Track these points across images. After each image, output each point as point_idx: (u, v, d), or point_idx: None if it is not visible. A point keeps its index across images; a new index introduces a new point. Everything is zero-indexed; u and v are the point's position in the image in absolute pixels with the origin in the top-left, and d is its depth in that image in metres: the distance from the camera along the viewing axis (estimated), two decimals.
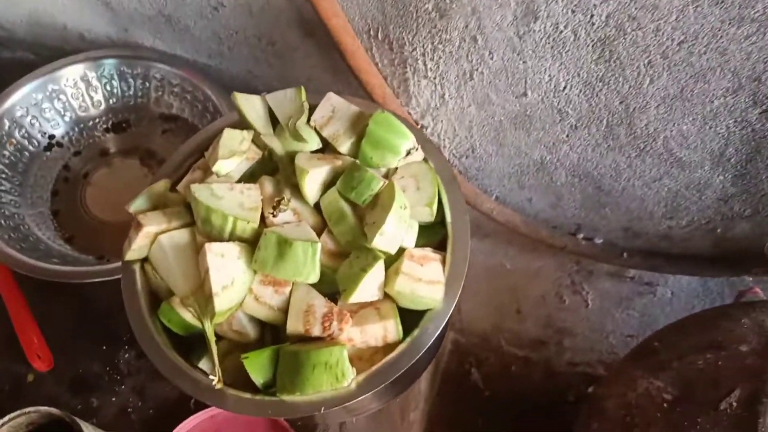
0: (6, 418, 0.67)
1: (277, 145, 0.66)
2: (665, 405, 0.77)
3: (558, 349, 1.47)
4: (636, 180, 0.85)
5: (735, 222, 0.88)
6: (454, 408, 1.56)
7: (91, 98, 0.95)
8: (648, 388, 0.79)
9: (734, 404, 0.74)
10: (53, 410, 0.67)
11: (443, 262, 0.63)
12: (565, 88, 0.74)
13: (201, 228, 0.62)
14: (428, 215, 0.64)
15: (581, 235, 1.01)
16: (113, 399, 0.80)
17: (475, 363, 1.61)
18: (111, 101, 0.96)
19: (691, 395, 0.77)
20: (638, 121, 0.75)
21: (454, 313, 1.42)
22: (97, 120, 0.97)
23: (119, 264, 0.79)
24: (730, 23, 0.61)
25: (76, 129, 0.96)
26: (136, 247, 0.63)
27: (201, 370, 0.62)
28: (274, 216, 0.62)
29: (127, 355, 0.83)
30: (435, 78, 0.78)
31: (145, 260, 0.66)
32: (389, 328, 0.60)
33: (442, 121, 0.85)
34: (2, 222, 0.83)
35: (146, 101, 0.96)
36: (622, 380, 0.83)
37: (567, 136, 0.81)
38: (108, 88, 0.95)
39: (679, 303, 1.13)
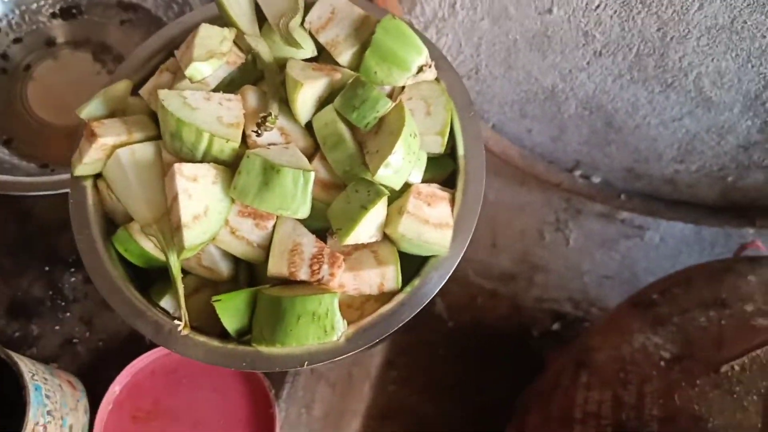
0: None
1: (264, 49, 0.55)
2: (662, 363, 0.72)
3: (528, 284, 1.43)
4: (653, 118, 0.77)
5: (750, 171, 0.81)
6: (416, 337, 1.52)
7: None
8: (645, 343, 0.74)
9: (737, 368, 0.69)
10: None
11: (452, 202, 0.54)
12: (598, 6, 0.64)
13: (169, 144, 0.51)
14: (438, 146, 0.54)
15: (579, 173, 0.94)
16: (56, 327, 0.71)
17: (439, 292, 1.56)
18: None
19: (691, 355, 0.72)
20: (673, 52, 0.66)
21: None
22: (42, 3, 0.82)
23: (66, 176, 0.68)
24: None
25: (17, 11, 0.81)
26: (89, 161, 0.53)
27: (163, 309, 0.53)
28: (258, 135, 0.52)
29: (73, 279, 0.73)
30: None
31: (98, 176, 0.55)
32: (388, 276, 0.51)
33: (447, 35, 0.74)
34: None
35: None
36: (617, 331, 0.78)
37: (587, 63, 0.72)
38: None
39: (666, 249, 1.08)
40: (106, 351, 0.70)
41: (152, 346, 0.68)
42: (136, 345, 0.69)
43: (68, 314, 0.72)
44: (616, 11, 0.64)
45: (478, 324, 1.56)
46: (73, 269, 0.73)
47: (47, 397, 0.59)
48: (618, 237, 1.11)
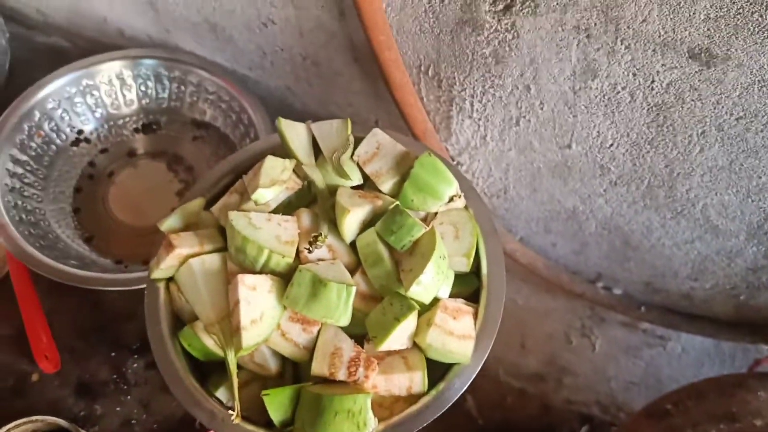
0: (12, 424, 0.66)
1: (318, 178, 0.65)
2: None
3: (556, 385, 1.46)
4: (667, 240, 0.84)
5: (760, 291, 0.87)
6: None
7: (124, 96, 0.93)
8: None
9: None
10: (61, 421, 0.66)
11: (475, 316, 0.62)
12: (611, 145, 0.72)
13: (234, 256, 0.60)
14: (464, 266, 0.62)
15: (600, 284, 1.00)
16: (117, 408, 0.79)
17: (470, 390, 1.60)
18: (144, 101, 0.94)
19: None
20: (680, 185, 0.74)
21: None
22: (127, 119, 0.95)
23: (137, 274, 0.78)
24: None
25: (106, 126, 0.94)
26: (165, 267, 0.62)
27: (218, 399, 0.61)
28: (309, 252, 0.60)
29: (135, 365, 0.81)
30: (479, 119, 0.77)
31: (170, 279, 0.64)
32: (415, 380, 0.58)
33: (479, 161, 0.84)
34: (23, 216, 0.82)
35: (179, 105, 0.95)
36: None
37: (604, 190, 0.80)
38: (143, 88, 0.93)
39: (688, 359, 1.12)
40: None
41: (202, 430, 0.76)
42: (187, 428, 0.76)
43: (129, 397, 0.80)
44: (627, 150, 0.72)
45: (508, 423, 1.59)
46: (136, 356, 0.82)
47: None
48: (641, 345, 1.16)
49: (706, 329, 0.97)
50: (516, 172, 0.83)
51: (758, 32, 0.55)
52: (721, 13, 0.55)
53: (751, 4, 0.53)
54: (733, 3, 0.54)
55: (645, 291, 0.98)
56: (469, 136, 0.80)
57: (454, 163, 0.85)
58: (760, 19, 0.54)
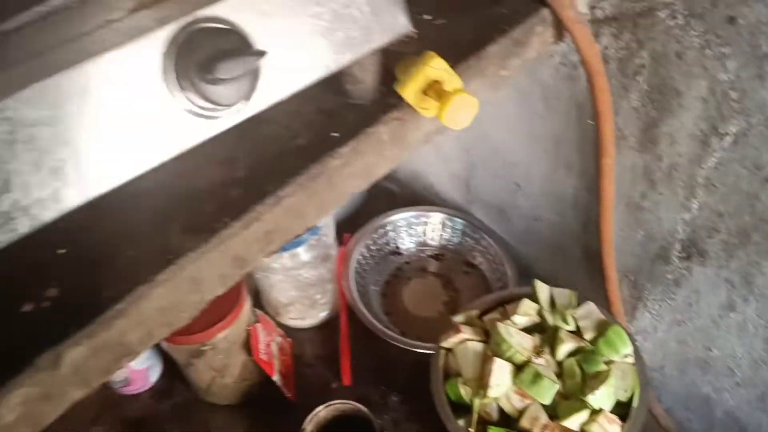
0: (331, 402, 1.14)
1: (550, 319, 1.10)
2: None
3: None
4: None
5: None
6: None
7: (431, 234, 1.47)
8: None
9: None
10: (364, 408, 1.13)
11: (622, 429, 1.02)
12: (739, 357, 1.10)
13: (493, 347, 1.07)
14: (624, 397, 1.03)
15: None
16: (385, 416, 1.24)
17: None
18: (442, 241, 1.46)
19: None
20: None
21: None
22: (428, 248, 1.43)
23: (418, 342, 1.26)
24: None
25: (414, 249, 1.44)
26: (450, 342, 1.09)
27: (460, 426, 1.05)
28: (535, 358, 1.05)
29: (394, 398, 1.27)
30: (656, 316, 1.19)
31: (448, 350, 1.12)
32: None
33: (649, 342, 1.24)
34: (360, 288, 1.35)
35: (461, 248, 1.42)
36: None
37: (731, 387, 1.16)
38: (445, 234, 1.47)
39: None
40: None
41: None
42: None
43: (385, 416, 1.26)
44: (749, 363, 1.09)
45: None
46: (395, 392, 1.28)
47: None
48: None
49: None
50: (672, 358, 1.22)
51: None
52: None
53: None
54: None
55: None
56: (646, 324, 1.21)
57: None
58: None
